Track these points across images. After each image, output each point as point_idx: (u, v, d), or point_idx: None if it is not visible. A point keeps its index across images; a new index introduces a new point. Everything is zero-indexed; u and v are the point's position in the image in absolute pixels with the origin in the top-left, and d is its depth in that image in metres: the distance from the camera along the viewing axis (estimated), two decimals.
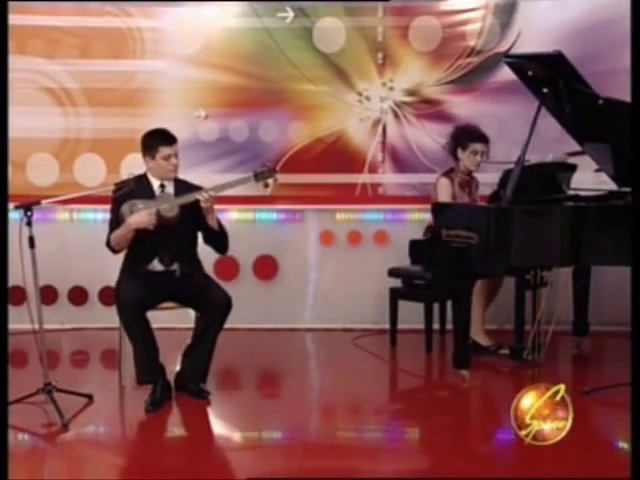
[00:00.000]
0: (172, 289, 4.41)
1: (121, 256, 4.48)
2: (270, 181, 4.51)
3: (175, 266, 4.41)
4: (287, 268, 6.08)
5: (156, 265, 4.39)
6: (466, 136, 5.20)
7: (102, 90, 5.87)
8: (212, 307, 4.35)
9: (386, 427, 4.25)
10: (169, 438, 4.10)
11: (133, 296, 4.24)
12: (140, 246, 4.37)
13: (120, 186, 4.35)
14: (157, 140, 4.42)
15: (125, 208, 4.31)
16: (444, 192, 5.16)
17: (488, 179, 5.39)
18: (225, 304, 4.34)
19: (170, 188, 4.46)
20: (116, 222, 4.36)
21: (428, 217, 5.42)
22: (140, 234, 4.29)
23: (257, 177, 4.44)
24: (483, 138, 5.20)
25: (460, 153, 5.20)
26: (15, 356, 5.16)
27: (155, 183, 4.45)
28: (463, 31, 5.81)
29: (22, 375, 4.86)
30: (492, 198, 5.08)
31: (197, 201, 4.32)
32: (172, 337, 4.60)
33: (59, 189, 5.41)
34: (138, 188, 4.35)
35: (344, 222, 6.03)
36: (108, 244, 4.40)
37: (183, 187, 4.46)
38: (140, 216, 4.27)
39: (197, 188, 4.41)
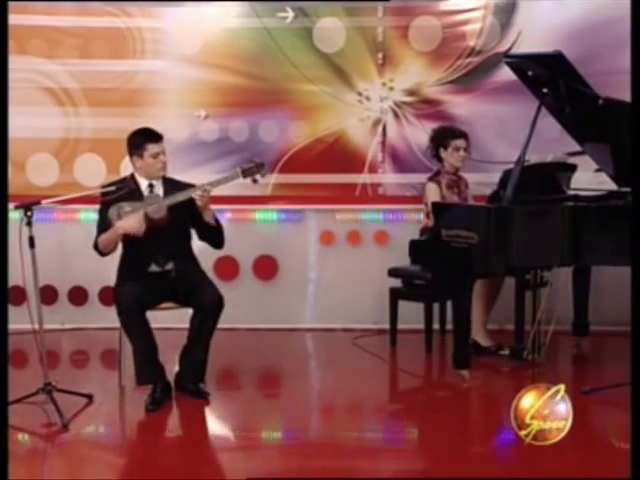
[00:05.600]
0: (169, 289, 4.41)
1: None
2: (258, 177, 4.46)
3: (170, 265, 4.40)
4: (287, 268, 6.08)
5: (152, 266, 4.38)
6: (445, 135, 5.31)
7: (102, 90, 5.87)
8: (203, 306, 4.33)
9: (386, 427, 4.26)
10: (169, 438, 4.10)
11: (132, 297, 4.24)
12: (134, 249, 4.36)
13: (112, 187, 4.33)
14: (144, 138, 4.40)
15: (112, 212, 4.29)
16: (432, 196, 5.20)
17: (488, 179, 5.40)
18: (216, 303, 4.31)
19: (159, 187, 4.44)
20: (104, 225, 4.34)
21: (422, 218, 5.47)
22: (130, 238, 4.29)
23: (244, 173, 4.41)
24: (462, 134, 5.31)
25: (443, 153, 5.28)
26: (15, 356, 5.17)
27: (143, 183, 4.43)
28: (463, 31, 5.81)
29: (22, 375, 4.87)
30: (492, 198, 5.07)
31: (188, 200, 4.30)
32: (172, 337, 4.59)
33: (59, 189, 5.40)
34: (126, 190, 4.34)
35: (344, 222, 6.03)
36: (96, 247, 4.39)
37: (172, 186, 4.43)
38: (130, 222, 4.25)
39: (187, 186, 4.39)
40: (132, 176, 4.45)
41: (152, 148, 4.37)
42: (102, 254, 4.40)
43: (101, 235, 4.35)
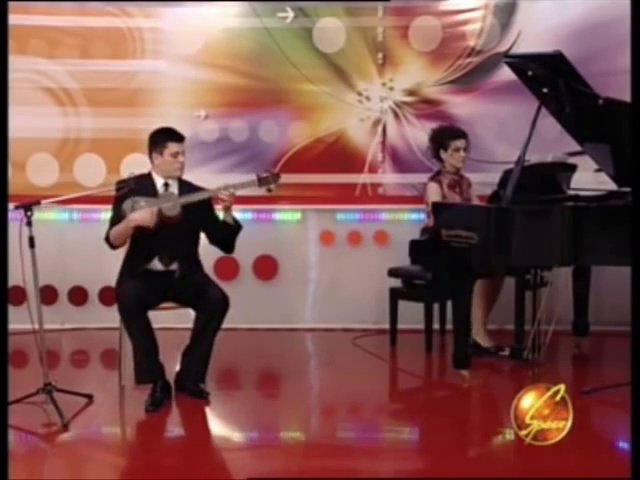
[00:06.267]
0: (172, 289, 4.41)
1: (121, 256, 4.49)
2: (273, 186, 4.55)
3: (174, 266, 4.41)
4: (287, 268, 6.08)
5: (156, 264, 4.40)
6: (445, 136, 5.30)
7: (102, 90, 5.87)
8: (209, 306, 4.34)
9: (386, 427, 4.25)
10: (169, 438, 4.10)
11: (134, 295, 4.25)
12: (140, 245, 4.39)
13: (122, 184, 4.36)
14: (166, 137, 4.44)
15: (127, 204, 4.32)
16: (434, 196, 5.20)
17: (488, 179, 5.40)
18: (222, 303, 4.33)
19: (174, 187, 4.47)
20: (117, 218, 4.37)
21: (424, 218, 5.47)
22: (140, 232, 4.30)
23: (260, 182, 4.49)
24: (462, 134, 5.30)
25: (443, 154, 5.27)
26: (15, 356, 5.16)
27: (159, 182, 4.46)
28: (463, 31, 5.81)
29: (22, 375, 4.87)
30: (492, 198, 5.08)
31: (201, 202, 4.36)
32: (172, 337, 4.60)
33: (59, 189, 5.40)
34: (141, 186, 4.37)
35: (344, 222, 6.03)
36: (107, 239, 4.41)
37: (187, 188, 4.48)
38: (142, 214, 4.28)
39: (201, 189, 4.44)
40: (149, 174, 4.47)
41: (173, 147, 4.41)
42: (112, 247, 4.42)
43: (114, 227, 4.37)
